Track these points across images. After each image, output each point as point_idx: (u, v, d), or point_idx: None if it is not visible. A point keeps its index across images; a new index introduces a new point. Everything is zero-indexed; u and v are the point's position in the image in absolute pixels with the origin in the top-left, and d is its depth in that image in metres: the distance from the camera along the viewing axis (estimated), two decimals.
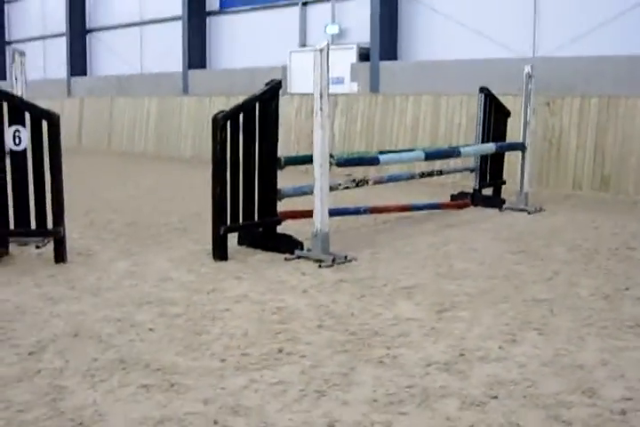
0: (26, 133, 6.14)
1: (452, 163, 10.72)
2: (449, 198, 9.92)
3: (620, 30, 11.97)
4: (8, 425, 3.19)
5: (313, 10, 17.26)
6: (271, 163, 6.68)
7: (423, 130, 12.85)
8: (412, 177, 9.30)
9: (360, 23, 15.73)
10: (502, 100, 10.07)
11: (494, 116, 9.81)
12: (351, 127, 13.91)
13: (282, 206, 6.92)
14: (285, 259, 6.46)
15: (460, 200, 9.73)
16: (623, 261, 6.49)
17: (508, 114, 10.15)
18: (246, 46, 18.73)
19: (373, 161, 7.69)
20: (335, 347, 4.21)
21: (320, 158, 6.32)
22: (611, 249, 6.99)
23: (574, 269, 6.18)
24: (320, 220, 6.39)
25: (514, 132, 10.06)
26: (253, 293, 5.39)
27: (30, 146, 6.16)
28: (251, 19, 18.69)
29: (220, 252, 6.43)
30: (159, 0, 21.08)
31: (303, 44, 17.28)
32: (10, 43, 28.05)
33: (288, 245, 6.63)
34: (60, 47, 24.69)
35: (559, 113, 11.26)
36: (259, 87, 6.78)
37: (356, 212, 7.96)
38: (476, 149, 9.34)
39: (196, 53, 19.78)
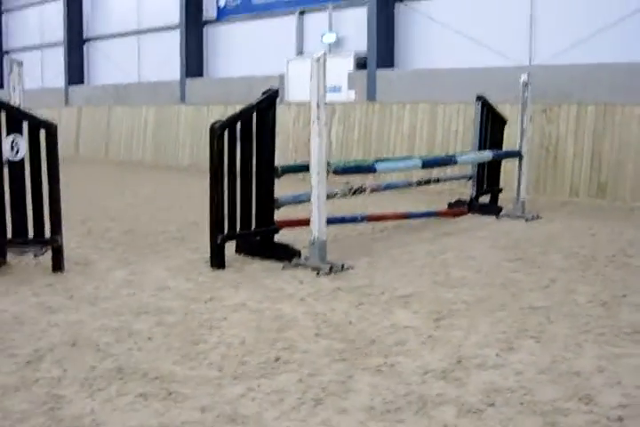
0: (23, 143, 6.15)
1: (449, 171, 10.75)
2: (446, 206, 9.93)
3: (617, 38, 12.03)
4: None
5: (310, 18, 17.32)
6: (269, 171, 6.70)
7: (420, 138, 12.88)
8: (409, 185, 9.34)
9: (357, 32, 15.80)
10: (499, 108, 10.12)
11: (491, 124, 9.84)
12: (348, 135, 13.94)
13: (279, 215, 6.94)
14: (283, 267, 6.47)
15: (457, 208, 9.75)
16: (620, 268, 6.50)
17: (504, 122, 10.18)
18: (243, 55, 18.79)
19: (370, 169, 7.71)
20: (333, 355, 4.21)
21: (317, 166, 6.33)
22: (608, 256, 7.00)
23: (571, 277, 6.20)
24: (317, 228, 6.40)
25: (511, 139, 10.09)
26: (251, 301, 5.39)
27: (28, 155, 6.18)
28: (248, 27, 18.75)
29: (217, 260, 6.44)
30: (156, 9, 21.15)
31: (300, 53, 17.34)
32: (7, 52, 28.13)
33: (285, 254, 6.63)
34: (58, 56, 24.75)
35: (556, 121, 11.29)
36: (256, 96, 6.79)
37: (354, 220, 7.97)
38: (472, 156, 9.36)
39: (194, 62, 19.84)
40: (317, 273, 6.22)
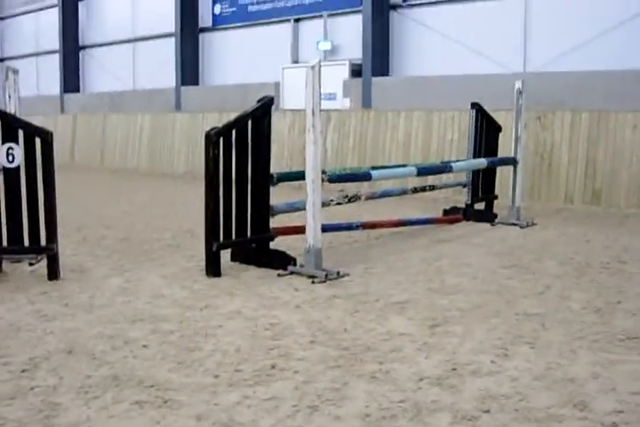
0: (19, 151, 6.15)
1: (445, 178, 10.77)
2: (441, 213, 9.96)
3: (611, 45, 12.07)
4: None
5: (305, 26, 17.36)
6: (264, 179, 6.71)
7: (415, 145, 12.92)
8: (404, 192, 9.35)
9: (352, 39, 15.83)
10: (494, 115, 10.15)
11: (486, 131, 9.88)
12: (344, 143, 13.97)
13: (275, 222, 6.95)
14: (278, 275, 6.48)
15: (452, 215, 9.77)
16: (615, 275, 6.53)
17: (499, 129, 10.22)
18: (239, 63, 18.81)
19: (365, 177, 7.73)
20: (328, 362, 4.22)
21: (312, 174, 6.35)
22: (602, 263, 7.02)
23: (566, 283, 6.21)
24: (313, 235, 6.41)
25: (505, 146, 10.12)
26: (246, 309, 5.40)
27: (23, 163, 6.18)
28: (243, 35, 18.78)
29: (212, 268, 6.44)
30: (152, 17, 21.17)
31: (296, 61, 17.37)
32: (3, 60, 28.13)
33: (281, 261, 6.64)
34: (53, 64, 24.75)
35: (550, 128, 11.34)
36: (251, 103, 6.82)
37: (349, 227, 7.98)
38: (467, 164, 9.39)
39: (189, 70, 19.85)
40: (313, 281, 6.23)
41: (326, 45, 16.45)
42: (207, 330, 4.86)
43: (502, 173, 10.35)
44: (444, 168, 8.96)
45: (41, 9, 25.79)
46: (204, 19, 19.74)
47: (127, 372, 4.05)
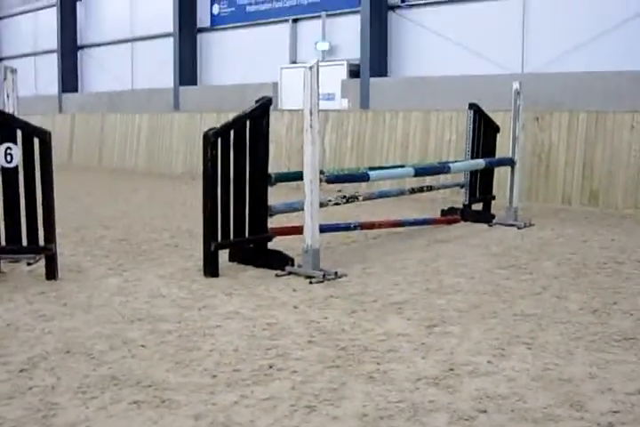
0: (17, 151, 6.16)
1: (442, 178, 10.78)
2: (439, 214, 9.97)
3: (608, 47, 12.10)
4: None
5: (303, 26, 17.37)
6: (262, 179, 6.72)
7: (413, 146, 12.93)
8: (402, 193, 9.36)
9: (350, 40, 15.85)
10: (492, 115, 10.16)
11: (484, 131, 9.90)
12: (342, 143, 13.98)
13: (273, 222, 6.96)
14: (276, 275, 6.49)
15: (449, 216, 9.79)
16: (612, 276, 6.54)
17: (497, 129, 10.23)
18: (237, 63, 18.82)
19: (363, 177, 7.74)
20: (326, 362, 4.23)
21: (310, 174, 6.35)
22: (599, 263, 7.04)
23: (563, 284, 6.23)
24: (311, 236, 6.42)
25: (503, 147, 10.14)
26: (244, 309, 5.41)
27: (22, 163, 6.19)
28: (242, 35, 18.79)
29: (210, 268, 6.45)
30: (150, 17, 21.17)
31: (294, 61, 17.38)
32: (1, 59, 28.11)
33: (279, 262, 6.65)
34: (52, 64, 24.74)
35: (548, 128, 11.36)
36: (249, 103, 6.83)
37: (347, 228, 7.99)
38: (465, 164, 9.39)
39: (187, 70, 19.85)
40: (311, 281, 6.24)
41: (324, 46, 16.47)
42: (205, 330, 4.86)
43: (500, 174, 10.37)
44: (442, 169, 8.98)
45: (39, 9, 25.79)
46: (203, 19, 19.74)
47: (125, 372, 4.06)
